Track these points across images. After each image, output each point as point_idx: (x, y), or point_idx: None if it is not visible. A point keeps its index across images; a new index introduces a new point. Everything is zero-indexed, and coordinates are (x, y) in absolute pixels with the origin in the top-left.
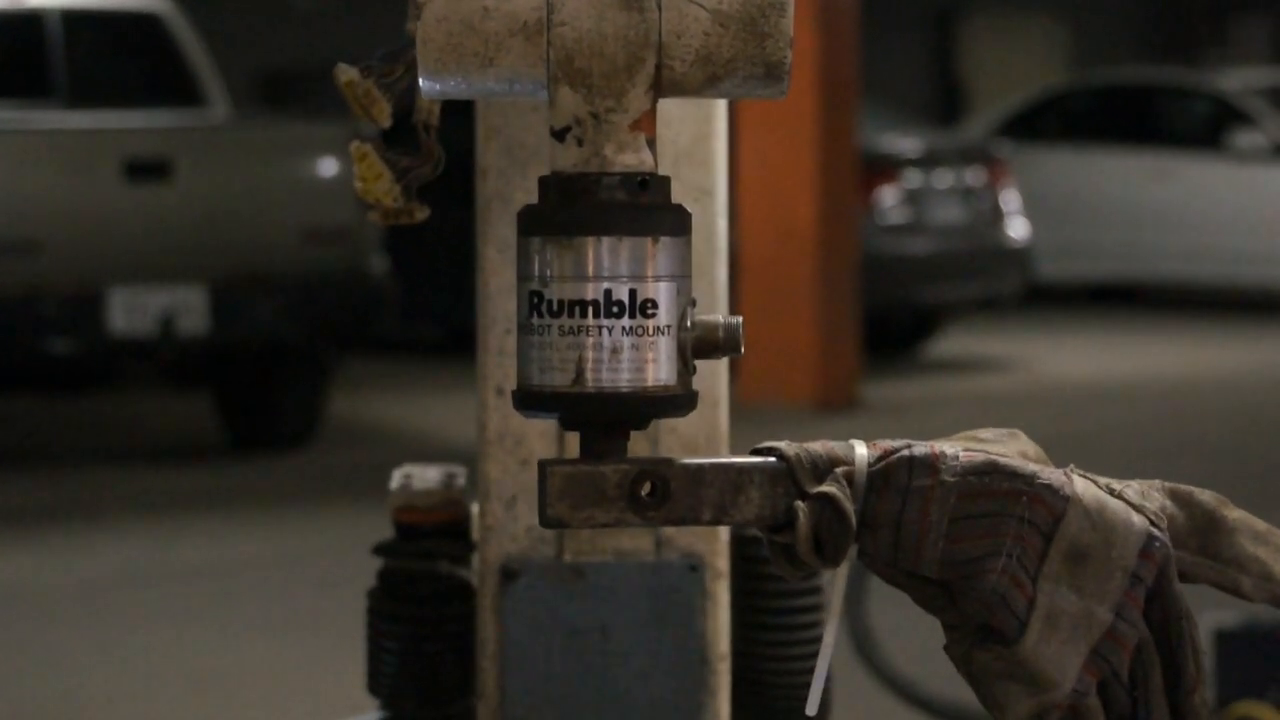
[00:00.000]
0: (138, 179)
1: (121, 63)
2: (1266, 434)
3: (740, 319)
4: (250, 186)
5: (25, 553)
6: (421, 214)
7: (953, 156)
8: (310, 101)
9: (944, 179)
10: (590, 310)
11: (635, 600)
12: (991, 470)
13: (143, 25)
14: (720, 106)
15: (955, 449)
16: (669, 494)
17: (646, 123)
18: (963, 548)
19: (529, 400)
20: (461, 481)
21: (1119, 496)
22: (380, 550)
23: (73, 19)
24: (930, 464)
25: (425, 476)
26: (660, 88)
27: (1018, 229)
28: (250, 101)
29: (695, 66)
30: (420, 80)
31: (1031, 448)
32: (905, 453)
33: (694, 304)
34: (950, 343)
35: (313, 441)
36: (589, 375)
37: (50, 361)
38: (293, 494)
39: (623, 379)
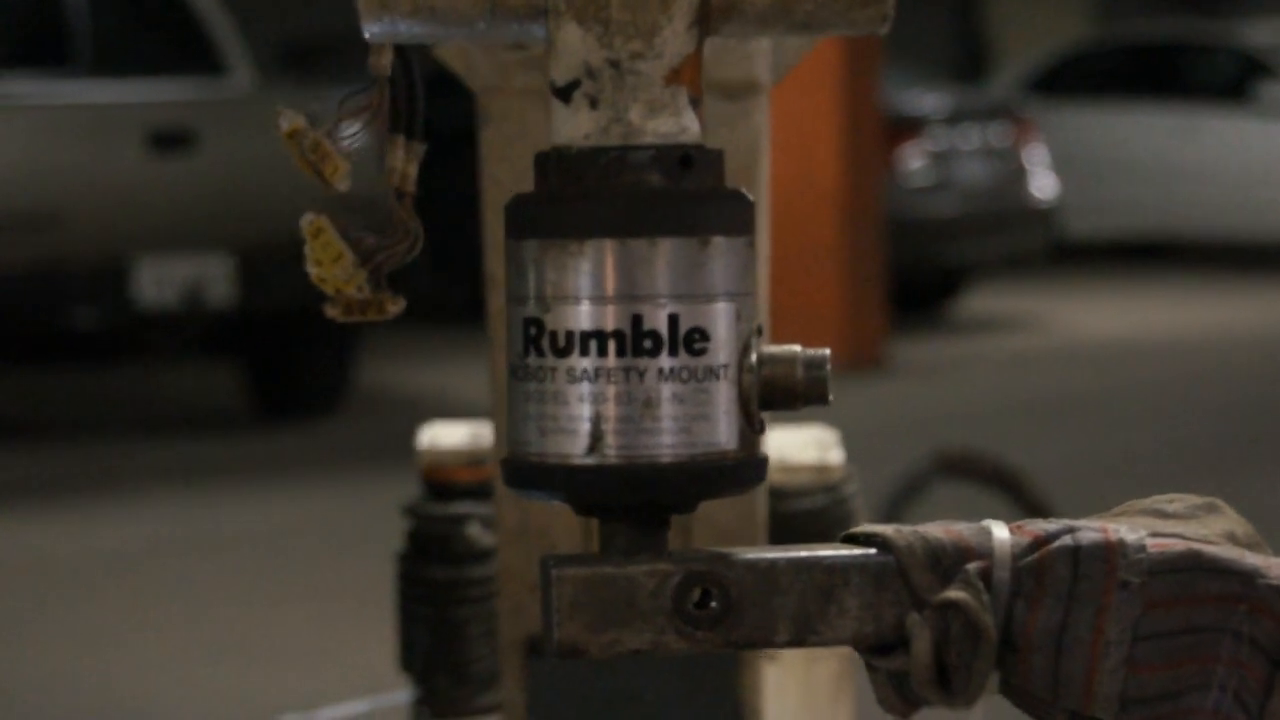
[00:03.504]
0: (161, 149)
1: (143, 31)
2: None
3: (827, 351)
4: (275, 155)
5: (55, 524)
6: (395, 307)
7: (978, 115)
8: (337, 70)
9: (969, 138)
10: (612, 345)
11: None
12: (1193, 565)
13: None
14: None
15: (1138, 534)
16: (730, 605)
17: (689, 73)
18: (1154, 678)
19: (526, 475)
20: (488, 441)
21: None
22: (409, 511)
23: None
24: (1104, 556)
25: (453, 434)
26: (708, 20)
27: (1044, 187)
28: (278, 70)
29: None
30: (362, 18)
31: (1240, 525)
32: (1067, 540)
33: (760, 333)
34: (979, 302)
35: (341, 409)
36: (611, 439)
37: (78, 334)
38: (322, 462)
39: (662, 444)
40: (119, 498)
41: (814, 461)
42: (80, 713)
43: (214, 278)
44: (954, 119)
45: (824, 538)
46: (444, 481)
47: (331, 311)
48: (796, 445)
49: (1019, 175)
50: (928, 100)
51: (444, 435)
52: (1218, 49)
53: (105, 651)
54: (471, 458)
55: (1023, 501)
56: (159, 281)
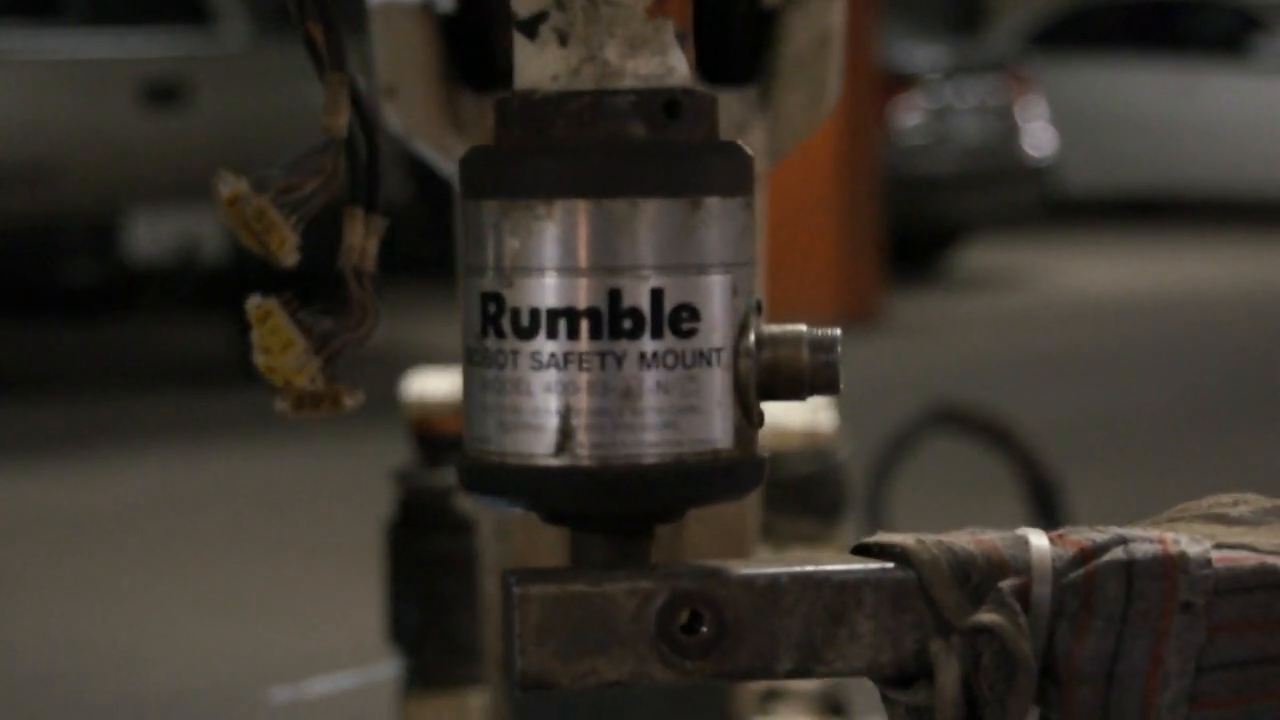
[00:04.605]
0: (155, 103)
1: None
2: None
3: (838, 331)
4: (269, 109)
5: (47, 479)
6: (351, 401)
7: (974, 70)
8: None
9: (965, 93)
10: (585, 326)
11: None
12: (1268, 583)
13: None
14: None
15: (1201, 546)
16: (724, 630)
17: (675, 3)
18: (1222, 716)
19: (484, 478)
20: None
21: None
22: (400, 479)
23: None
24: (1163, 573)
25: (441, 383)
26: None
27: (1041, 143)
28: (272, 24)
29: None
30: None
31: None
32: (1119, 553)
33: (760, 309)
34: (976, 258)
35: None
36: (584, 437)
37: (71, 289)
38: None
39: (644, 441)
40: (112, 453)
41: (804, 426)
42: (74, 667)
43: (207, 233)
44: (950, 74)
45: (811, 507)
46: (433, 433)
47: (281, 406)
48: (784, 406)
49: (1015, 131)
50: (924, 55)
51: (432, 384)
52: (1215, 5)
53: (99, 606)
54: (458, 409)
55: (1016, 457)
56: (152, 237)
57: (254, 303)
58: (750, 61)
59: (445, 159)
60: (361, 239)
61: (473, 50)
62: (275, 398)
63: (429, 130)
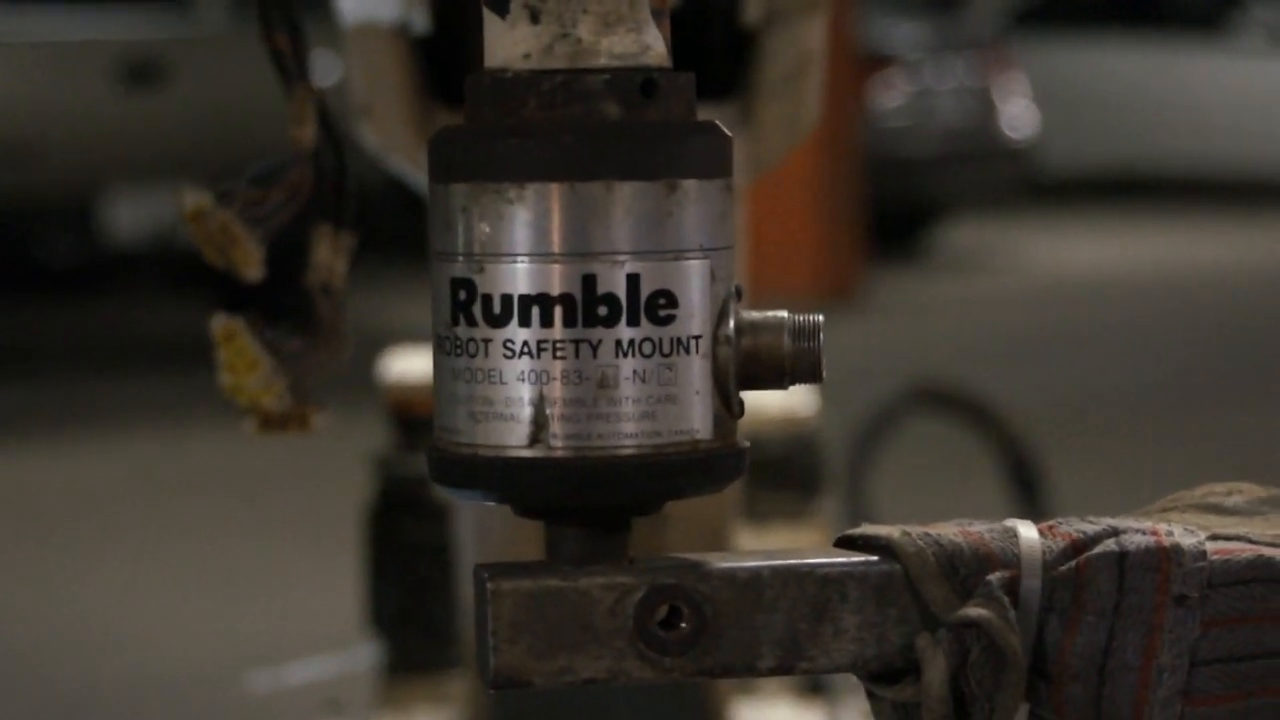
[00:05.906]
0: (134, 84)
1: None
2: (1269, 326)
3: (820, 317)
4: (248, 91)
5: (28, 459)
6: (320, 419)
7: (954, 47)
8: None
9: (945, 70)
10: (559, 313)
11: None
12: (1264, 576)
13: None
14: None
15: (1196, 537)
16: (703, 625)
17: None
18: (1217, 712)
19: (455, 470)
20: None
21: None
22: (380, 465)
23: None
24: (1156, 565)
25: (418, 363)
26: None
27: (1021, 122)
28: (251, 3)
29: None
30: None
31: None
32: (1110, 545)
33: (740, 295)
34: (957, 237)
35: None
36: (558, 428)
37: (50, 269)
38: None
39: (620, 432)
40: (89, 434)
41: (782, 408)
42: (49, 650)
43: None
44: (930, 51)
45: (790, 483)
46: (412, 415)
47: (248, 429)
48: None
49: (994, 110)
50: (904, 33)
51: (410, 365)
52: None
53: (76, 588)
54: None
55: (998, 436)
56: (131, 217)
57: (218, 322)
58: (729, 79)
59: (421, 177)
60: (330, 256)
61: (448, 69)
62: (243, 421)
63: (405, 149)
